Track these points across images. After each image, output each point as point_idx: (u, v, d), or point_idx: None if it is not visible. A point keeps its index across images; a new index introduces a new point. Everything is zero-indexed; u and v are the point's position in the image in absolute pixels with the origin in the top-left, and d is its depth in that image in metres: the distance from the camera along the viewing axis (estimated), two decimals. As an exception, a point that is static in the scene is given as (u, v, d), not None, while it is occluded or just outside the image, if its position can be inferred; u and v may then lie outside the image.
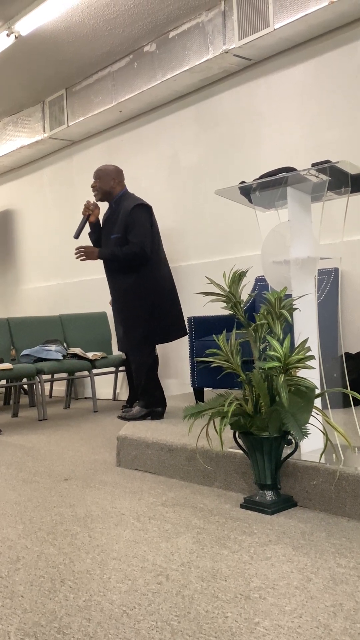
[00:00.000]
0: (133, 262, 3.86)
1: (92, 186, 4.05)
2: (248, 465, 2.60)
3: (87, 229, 4.14)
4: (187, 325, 4.27)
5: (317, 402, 2.55)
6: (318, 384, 2.57)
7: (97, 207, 4.07)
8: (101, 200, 4.07)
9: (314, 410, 2.32)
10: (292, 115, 4.61)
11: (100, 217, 4.35)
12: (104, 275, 6.17)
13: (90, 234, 4.15)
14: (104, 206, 4.36)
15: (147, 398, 3.87)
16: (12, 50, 5.17)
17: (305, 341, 2.32)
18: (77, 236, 3.90)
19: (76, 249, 3.91)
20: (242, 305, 2.53)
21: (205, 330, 4.29)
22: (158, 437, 3.10)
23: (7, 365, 4.76)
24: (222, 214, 5.11)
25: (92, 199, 4.30)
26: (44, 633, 1.53)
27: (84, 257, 3.90)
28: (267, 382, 2.34)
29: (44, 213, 7.00)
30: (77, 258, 3.90)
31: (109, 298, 4.50)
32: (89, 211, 4.03)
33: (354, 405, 3.74)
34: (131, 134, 5.90)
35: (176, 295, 4.05)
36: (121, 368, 5.76)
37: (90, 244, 4.23)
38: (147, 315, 3.89)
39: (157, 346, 4.11)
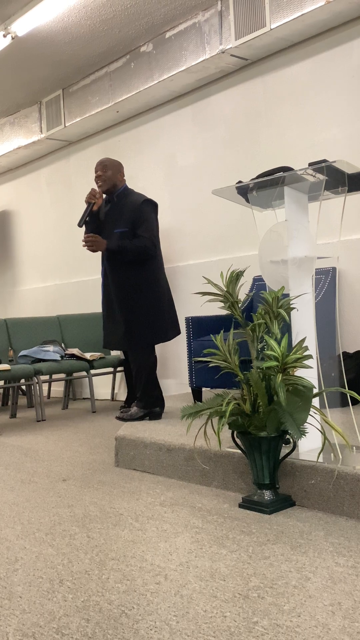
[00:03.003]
0: (141, 257, 3.80)
1: (99, 176, 3.94)
2: (246, 464, 2.60)
3: (84, 207, 4.04)
4: (185, 326, 4.27)
5: (315, 401, 2.56)
6: (316, 384, 2.57)
7: (101, 196, 3.96)
8: (105, 191, 3.98)
9: (311, 409, 2.33)
10: (289, 115, 4.61)
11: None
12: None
13: (86, 224, 4.05)
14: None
15: (146, 398, 3.87)
16: (8, 50, 5.16)
17: (302, 340, 2.32)
18: (81, 224, 3.80)
19: (86, 237, 3.78)
20: (239, 305, 2.53)
21: (203, 330, 4.29)
22: (156, 437, 3.10)
23: (5, 366, 4.75)
24: (220, 214, 5.11)
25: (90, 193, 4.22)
26: (42, 633, 1.52)
27: (93, 247, 3.79)
28: (265, 381, 2.34)
29: (41, 214, 6.99)
30: (84, 246, 3.79)
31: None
32: (95, 199, 3.90)
33: (352, 405, 3.74)
34: (128, 134, 5.90)
35: (171, 294, 4.06)
36: (119, 368, 5.76)
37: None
38: (152, 315, 3.86)
39: (155, 346, 4.10)
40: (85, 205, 4.04)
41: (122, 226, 3.85)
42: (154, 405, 3.85)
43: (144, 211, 3.85)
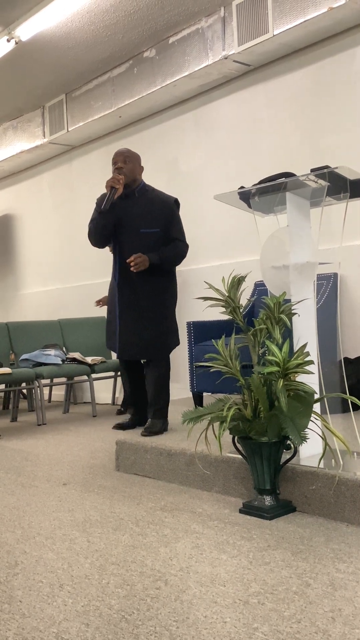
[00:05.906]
0: (178, 263, 3.61)
1: (120, 167, 3.56)
2: (247, 470, 2.60)
3: (87, 212, 3.82)
4: (186, 330, 4.27)
5: (316, 407, 2.56)
6: (317, 389, 2.57)
7: (123, 186, 3.52)
8: (125, 185, 3.60)
9: (312, 415, 2.33)
10: (291, 121, 4.62)
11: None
12: (103, 280, 6.18)
13: (99, 217, 3.58)
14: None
15: (166, 408, 3.62)
16: (12, 55, 5.18)
17: (304, 346, 2.33)
18: (107, 207, 3.43)
19: (134, 257, 3.45)
20: (241, 310, 2.54)
21: (204, 335, 4.30)
22: (157, 442, 3.10)
23: (6, 370, 4.76)
24: (222, 219, 5.12)
25: (100, 194, 3.87)
26: (42, 638, 1.52)
27: (140, 267, 3.47)
28: (266, 386, 2.34)
29: (44, 218, 7.01)
30: (132, 268, 3.46)
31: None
32: (119, 184, 3.44)
33: (353, 410, 3.74)
34: (131, 139, 5.92)
35: None
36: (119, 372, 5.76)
37: (100, 231, 3.61)
38: (175, 320, 3.74)
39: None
40: (99, 193, 3.76)
41: (152, 226, 3.56)
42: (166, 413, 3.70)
43: (176, 212, 3.62)
